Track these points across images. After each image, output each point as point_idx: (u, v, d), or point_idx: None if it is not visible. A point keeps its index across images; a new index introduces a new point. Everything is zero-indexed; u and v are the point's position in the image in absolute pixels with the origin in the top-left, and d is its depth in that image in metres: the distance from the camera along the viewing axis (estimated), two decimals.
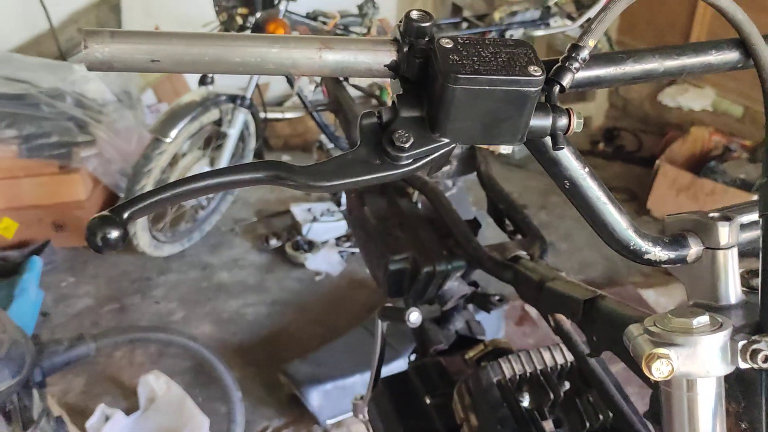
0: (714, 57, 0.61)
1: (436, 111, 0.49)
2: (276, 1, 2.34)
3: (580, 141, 3.50)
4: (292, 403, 1.99)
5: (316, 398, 1.93)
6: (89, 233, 0.43)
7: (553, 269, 0.97)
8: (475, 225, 1.16)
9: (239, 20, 2.29)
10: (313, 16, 2.45)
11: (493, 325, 2.17)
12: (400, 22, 0.51)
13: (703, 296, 0.60)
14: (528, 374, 0.94)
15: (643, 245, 0.59)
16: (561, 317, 0.90)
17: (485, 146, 0.54)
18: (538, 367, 0.96)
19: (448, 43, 0.49)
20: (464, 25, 2.66)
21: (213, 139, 2.56)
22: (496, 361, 0.97)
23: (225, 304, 2.42)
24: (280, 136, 3.26)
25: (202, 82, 2.43)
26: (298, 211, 2.83)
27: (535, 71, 0.48)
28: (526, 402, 0.92)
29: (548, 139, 0.54)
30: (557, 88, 0.53)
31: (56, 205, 2.55)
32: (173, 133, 2.24)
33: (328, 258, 2.59)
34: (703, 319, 0.52)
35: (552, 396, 0.91)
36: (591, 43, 0.54)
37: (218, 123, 2.49)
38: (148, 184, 2.32)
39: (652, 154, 3.18)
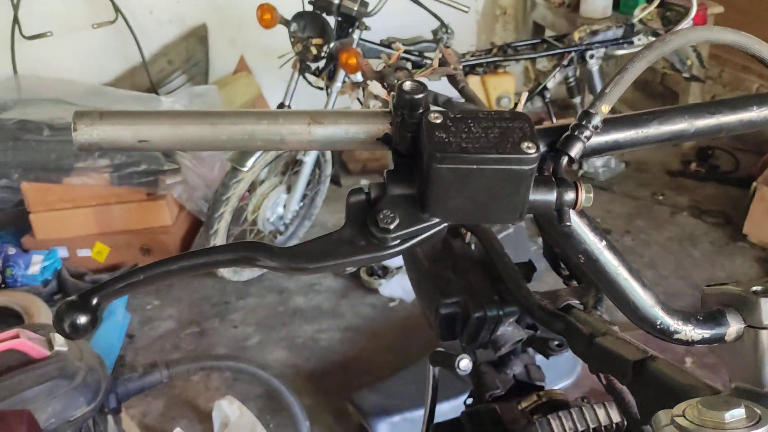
0: (757, 113, 0.55)
1: (424, 190, 0.46)
2: (350, 30, 2.36)
3: (670, 162, 3.30)
4: None
5: (383, 430, 1.90)
6: (57, 319, 0.43)
7: (605, 323, 0.90)
8: (528, 268, 1.11)
9: (314, 50, 2.31)
10: (387, 44, 2.45)
11: (564, 366, 2.08)
12: (394, 92, 0.49)
13: (745, 380, 0.54)
14: None
15: (672, 324, 0.54)
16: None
17: None
18: (591, 426, 0.91)
19: (437, 118, 0.46)
20: (543, 46, 2.59)
21: (290, 166, 2.61)
22: (545, 417, 0.93)
23: (300, 329, 2.45)
24: (359, 160, 3.28)
25: (281, 107, 2.48)
26: None
27: (529, 148, 0.44)
28: None
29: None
30: (565, 160, 0.49)
31: (144, 230, 2.67)
32: (249, 163, 2.30)
33: (402, 284, 2.57)
34: (738, 413, 0.46)
35: None
36: (604, 109, 0.50)
37: None
38: (226, 211, 2.38)
39: (749, 175, 2.97)
